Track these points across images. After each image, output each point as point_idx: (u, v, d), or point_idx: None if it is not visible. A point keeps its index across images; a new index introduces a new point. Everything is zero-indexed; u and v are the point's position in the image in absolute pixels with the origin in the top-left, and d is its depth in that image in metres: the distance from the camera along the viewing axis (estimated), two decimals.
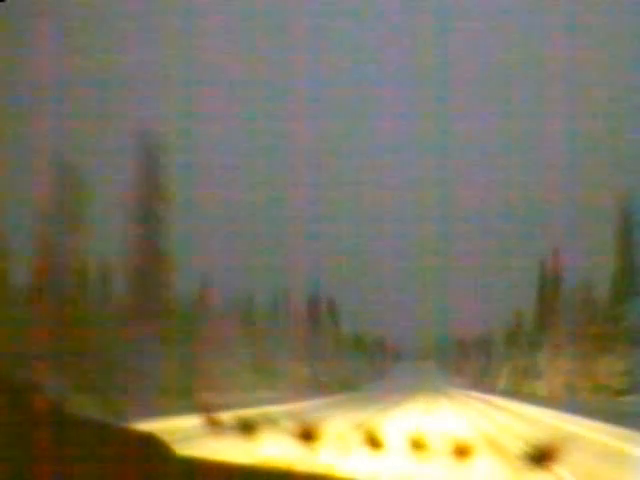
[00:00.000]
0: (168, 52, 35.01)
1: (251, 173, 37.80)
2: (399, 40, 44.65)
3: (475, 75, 42.98)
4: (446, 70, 41.50)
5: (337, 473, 2.11)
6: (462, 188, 40.29)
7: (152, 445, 1.77)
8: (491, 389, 38.48)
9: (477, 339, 46.49)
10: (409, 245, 40.16)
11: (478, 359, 45.24)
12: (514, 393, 34.42)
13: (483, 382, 42.59)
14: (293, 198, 37.69)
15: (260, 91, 40.51)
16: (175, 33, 36.38)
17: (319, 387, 32.52)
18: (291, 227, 35.16)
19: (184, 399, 20.06)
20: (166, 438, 1.82)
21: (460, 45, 42.58)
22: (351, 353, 41.85)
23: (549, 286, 33.29)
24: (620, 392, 26.02)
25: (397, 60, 44.74)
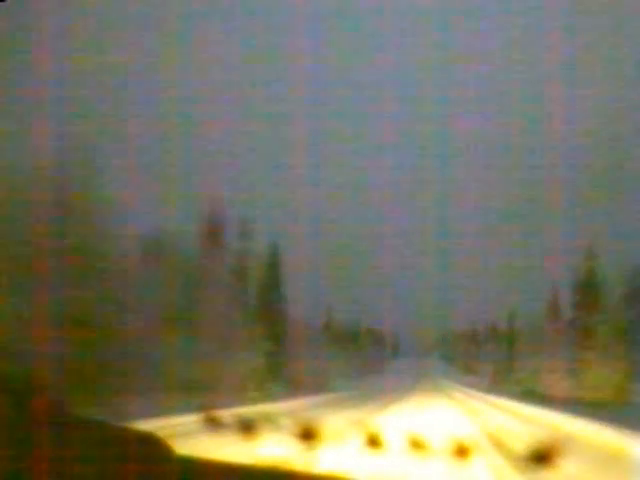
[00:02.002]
0: (168, 52, 34.95)
1: (251, 172, 37.77)
2: (399, 40, 44.53)
3: (476, 75, 42.88)
4: (446, 70, 41.45)
5: (337, 473, 2.10)
6: (463, 186, 40.24)
7: (152, 445, 1.76)
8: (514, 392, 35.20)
9: (488, 333, 43.43)
10: (409, 240, 40.10)
11: (490, 355, 42.00)
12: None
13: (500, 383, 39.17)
14: (293, 197, 37.65)
15: (261, 90, 40.44)
16: (175, 34, 36.32)
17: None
18: (291, 226, 35.16)
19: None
20: (164, 436, 1.82)
21: (461, 45, 42.50)
22: (331, 348, 37.96)
23: None
24: None
25: (397, 60, 44.64)
